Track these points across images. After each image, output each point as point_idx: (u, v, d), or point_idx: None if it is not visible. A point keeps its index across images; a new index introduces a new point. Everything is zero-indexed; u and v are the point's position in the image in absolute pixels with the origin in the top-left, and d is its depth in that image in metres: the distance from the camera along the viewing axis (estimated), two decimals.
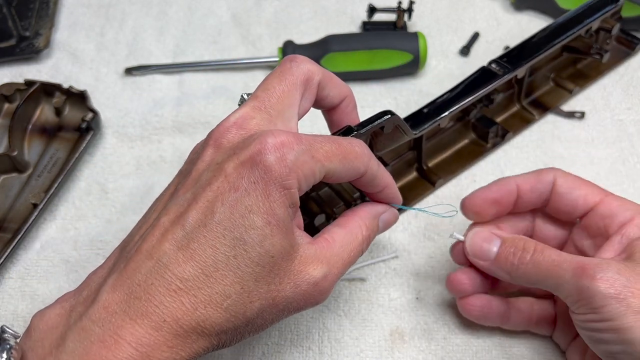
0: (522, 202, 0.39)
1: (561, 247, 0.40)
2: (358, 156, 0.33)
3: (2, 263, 0.45)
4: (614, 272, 0.31)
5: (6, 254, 0.45)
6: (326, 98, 0.36)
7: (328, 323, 0.42)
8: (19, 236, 0.46)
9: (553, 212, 0.39)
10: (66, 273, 0.46)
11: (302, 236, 0.32)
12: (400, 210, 0.39)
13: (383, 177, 0.36)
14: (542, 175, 0.38)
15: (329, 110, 0.38)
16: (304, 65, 0.34)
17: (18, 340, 0.29)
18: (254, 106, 0.33)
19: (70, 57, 0.61)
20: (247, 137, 0.31)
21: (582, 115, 0.53)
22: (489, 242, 0.37)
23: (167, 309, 0.28)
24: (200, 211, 0.29)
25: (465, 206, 0.39)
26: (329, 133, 0.39)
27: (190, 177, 0.31)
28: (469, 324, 0.41)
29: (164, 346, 0.28)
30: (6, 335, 0.28)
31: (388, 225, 0.38)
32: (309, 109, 0.36)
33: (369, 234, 0.36)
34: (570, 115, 0.53)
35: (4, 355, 0.28)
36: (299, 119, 0.35)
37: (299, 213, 0.33)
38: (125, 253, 0.31)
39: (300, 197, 0.31)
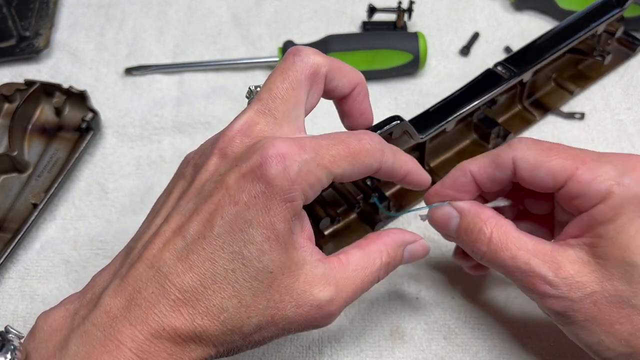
0: (486, 188, 0.36)
1: (549, 219, 0.37)
2: (369, 154, 0.31)
3: (2, 263, 0.45)
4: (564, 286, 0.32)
5: (6, 254, 0.45)
6: (335, 89, 0.35)
7: None
8: (19, 236, 0.46)
9: (528, 187, 0.35)
10: (66, 273, 0.46)
11: (311, 253, 0.31)
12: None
13: (402, 166, 0.34)
14: (498, 160, 0.34)
15: (339, 100, 0.36)
16: (308, 59, 0.33)
17: (22, 341, 0.29)
18: (257, 110, 0.32)
19: (70, 57, 0.61)
20: (250, 145, 0.30)
21: (582, 116, 0.53)
22: (448, 219, 0.36)
23: (166, 318, 0.28)
24: (201, 223, 0.29)
25: (427, 202, 0.38)
26: (335, 127, 0.39)
27: (194, 186, 0.31)
28: (469, 323, 0.41)
29: (164, 353, 0.28)
30: (10, 335, 0.28)
31: (415, 257, 0.36)
32: (317, 103, 0.35)
33: (389, 262, 0.33)
34: (570, 116, 0.53)
35: (8, 355, 0.28)
36: (306, 115, 0.34)
37: (308, 224, 0.32)
38: (128, 259, 0.31)
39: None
